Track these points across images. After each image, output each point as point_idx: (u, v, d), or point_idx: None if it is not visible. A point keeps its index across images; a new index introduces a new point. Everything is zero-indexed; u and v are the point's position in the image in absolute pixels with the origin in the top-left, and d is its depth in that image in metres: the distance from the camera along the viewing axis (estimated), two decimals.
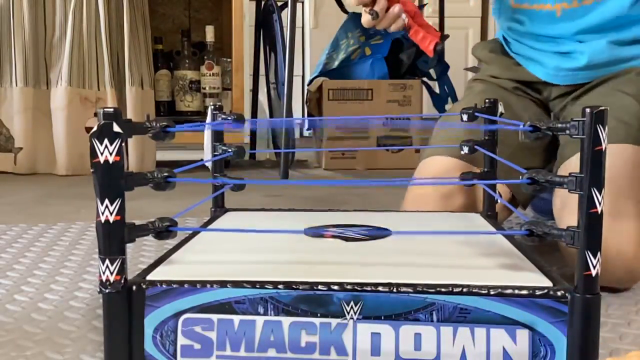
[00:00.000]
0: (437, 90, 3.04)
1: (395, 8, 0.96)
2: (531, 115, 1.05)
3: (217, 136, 0.86)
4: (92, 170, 0.54)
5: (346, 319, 0.55)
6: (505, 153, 0.84)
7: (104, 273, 0.55)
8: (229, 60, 2.64)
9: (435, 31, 0.98)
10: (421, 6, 3.29)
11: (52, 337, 0.72)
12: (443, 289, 0.55)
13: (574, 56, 1.02)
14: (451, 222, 0.85)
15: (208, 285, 0.56)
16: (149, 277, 0.58)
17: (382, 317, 0.55)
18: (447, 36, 1.02)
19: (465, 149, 0.84)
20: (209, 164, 0.87)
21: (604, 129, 0.52)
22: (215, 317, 0.56)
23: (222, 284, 0.56)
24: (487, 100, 0.85)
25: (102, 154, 0.54)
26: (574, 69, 1.03)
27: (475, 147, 0.84)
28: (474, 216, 0.89)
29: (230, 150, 0.84)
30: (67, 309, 0.82)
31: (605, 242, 0.53)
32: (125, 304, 0.56)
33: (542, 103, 1.09)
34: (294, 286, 0.55)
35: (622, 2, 0.98)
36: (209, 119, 0.86)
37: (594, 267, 0.52)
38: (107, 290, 0.55)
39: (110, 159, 0.54)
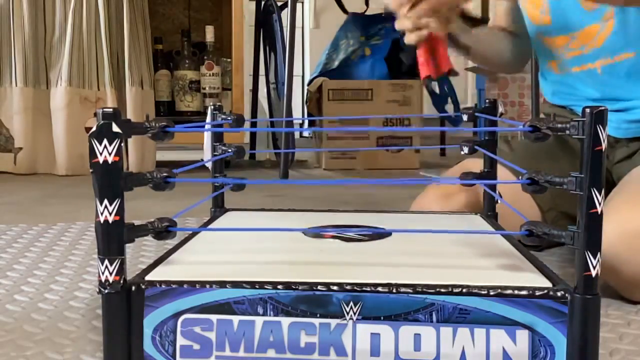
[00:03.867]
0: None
1: (430, 22, 0.97)
2: None
3: (217, 136, 0.86)
4: (91, 170, 0.54)
5: (345, 319, 0.55)
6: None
7: (103, 273, 0.55)
8: (229, 60, 2.64)
9: (445, 63, 0.98)
10: None
11: (52, 337, 0.72)
12: (443, 290, 0.54)
13: (633, 111, 1.03)
14: (451, 223, 0.85)
15: (207, 286, 0.56)
16: (148, 278, 0.58)
17: (382, 318, 0.55)
18: (456, 73, 1.03)
19: (465, 149, 0.84)
20: (208, 164, 0.87)
21: (604, 129, 0.52)
22: (214, 317, 0.56)
23: (222, 284, 0.56)
24: (487, 100, 0.85)
25: (101, 154, 0.54)
26: (636, 121, 1.03)
27: (475, 147, 0.83)
28: (473, 217, 0.89)
29: (230, 150, 0.84)
30: (67, 309, 0.82)
31: None
32: (124, 305, 0.56)
33: (607, 170, 1.08)
34: (293, 286, 0.55)
35: None
36: (208, 119, 0.86)
37: (594, 268, 0.52)
38: (106, 291, 0.55)
39: (110, 159, 0.54)
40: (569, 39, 1.06)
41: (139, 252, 1.09)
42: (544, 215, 1.05)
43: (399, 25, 1.02)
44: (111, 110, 0.54)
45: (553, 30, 1.08)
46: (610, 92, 1.04)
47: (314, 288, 0.55)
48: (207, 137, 0.87)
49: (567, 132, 0.54)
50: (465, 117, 0.85)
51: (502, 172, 0.94)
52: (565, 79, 1.10)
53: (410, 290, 0.55)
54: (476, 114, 0.84)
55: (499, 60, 1.24)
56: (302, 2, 4.50)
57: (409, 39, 1.01)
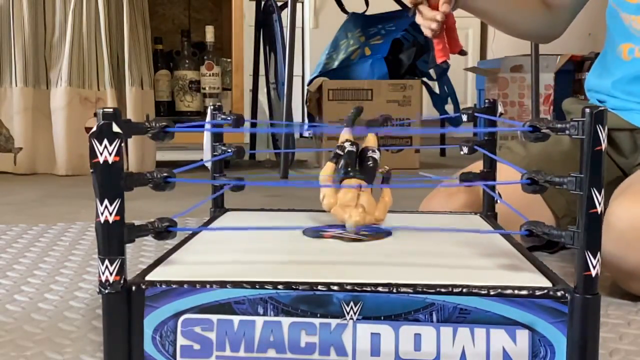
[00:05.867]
0: (437, 90, 3.04)
1: (437, 15, 1.02)
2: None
3: (217, 136, 0.86)
4: (91, 170, 0.54)
5: (346, 319, 0.55)
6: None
7: (103, 273, 0.55)
8: (229, 60, 2.64)
9: (455, 45, 1.04)
10: None
11: (52, 337, 0.72)
12: (443, 290, 0.55)
13: None
14: (451, 223, 0.85)
15: (207, 286, 0.56)
16: (149, 278, 0.58)
17: (382, 318, 0.55)
18: (465, 53, 1.08)
19: (465, 149, 0.84)
20: (208, 165, 0.87)
21: (604, 129, 0.52)
22: (214, 317, 0.56)
23: (222, 284, 0.56)
24: (487, 100, 0.85)
25: (101, 154, 0.54)
26: None
27: (475, 147, 0.83)
28: (473, 217, 0.89)
29: (230, 150, 0.84)
30: (67, 309, 0.82)
31: None
32: (124, 305, 0.56)
33: (622, 170, 1.07)
34: (293, 286, 0.55)
35: None
36: (208, 118, 0.85)
37: (594, 267, 0.52)
38: (106, 291, 0.55)
39: (110, 159, 0.54)
40: None
41: (139, 252, 1.09)
42: (558, 222, 1.03)
43: (418, 19, 1.05)
44: (111, 110, 0.54)
45: None
46: None
47: (314, 288, 0.55)
48: (207, 137, 0.87)
49: (567, 132, 0.54)
50: (465, 117, 0.85)
51: (511, 175, 0.94)
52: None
53: (411, 290, 0.55)
54: (476, 114, 0.84)
55: (522, 27, 1.20)
56: (302, 2, 4.50)
57: (429, 28, 1.04)
